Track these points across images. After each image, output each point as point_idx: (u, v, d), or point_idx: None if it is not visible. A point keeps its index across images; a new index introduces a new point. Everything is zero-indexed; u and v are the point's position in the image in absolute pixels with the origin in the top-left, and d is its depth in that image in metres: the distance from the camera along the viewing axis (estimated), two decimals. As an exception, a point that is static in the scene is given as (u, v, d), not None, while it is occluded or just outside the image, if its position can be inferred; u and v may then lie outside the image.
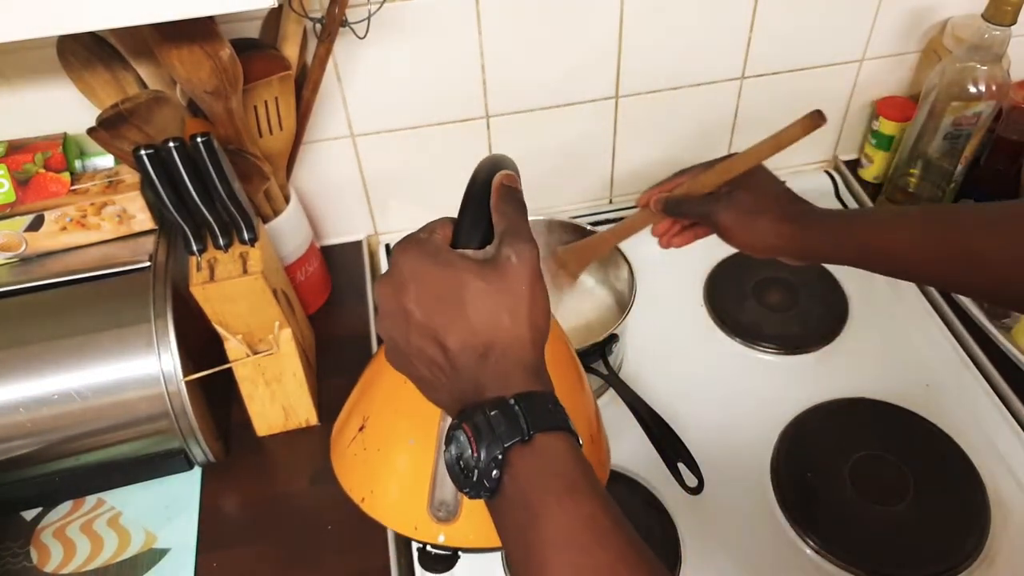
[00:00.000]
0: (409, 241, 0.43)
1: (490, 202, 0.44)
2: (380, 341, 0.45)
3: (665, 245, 0.73)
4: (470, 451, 0.38)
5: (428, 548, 0.48)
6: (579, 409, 0.53)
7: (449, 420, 0.42)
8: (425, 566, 0.50)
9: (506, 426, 0.37)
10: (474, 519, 0.46)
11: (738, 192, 0.66)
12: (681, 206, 0.68)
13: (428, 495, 0.47)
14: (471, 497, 0.39)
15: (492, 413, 0.38)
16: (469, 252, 0.42)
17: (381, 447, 0.49)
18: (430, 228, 0.44)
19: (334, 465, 0.52)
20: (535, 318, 0.41)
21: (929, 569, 0.69)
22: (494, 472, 0.38)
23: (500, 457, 0.37)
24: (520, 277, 0.40)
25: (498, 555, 0.71)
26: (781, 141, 0.62)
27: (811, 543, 0.72)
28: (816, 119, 0.60)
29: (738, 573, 0.71)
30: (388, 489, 0.49)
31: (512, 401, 0.38)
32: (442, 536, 0.47)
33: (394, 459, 0.49)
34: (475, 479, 0.38)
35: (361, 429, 0.50)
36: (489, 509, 0.40)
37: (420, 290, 0.40)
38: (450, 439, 0.40)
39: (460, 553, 0.49)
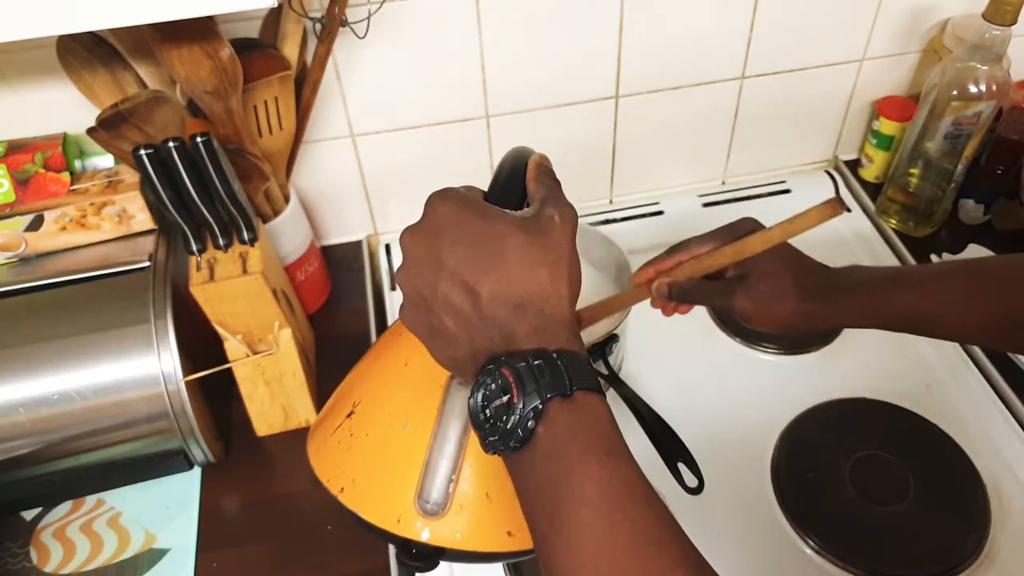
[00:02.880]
0: (446, 191, 0.41)
1: (524, 178, 0.43)
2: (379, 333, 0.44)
3: (669, 314, 0.67)
4: (509, 396, 0.36)
5: (407, 550, 0.45)
6: None
7: (454, 403, 0.40)
8: (403, 565, 0.46)
9: (550, 375, 0.36)
10: (463, 516, 0.45)
11: (752, 278, 0.60)
12: (690, 295, 0.62)
13: (417, 485, 0.44)
14: (492, 447, 0.38)
15: (536, 362, 0.37)
16: (508, 211, 0.41)
17: (370, 432, 0.47)
18: (463, 188, 0.42)
19: (311, 457, 0.49)
20: (572, 279, 0.40)
21: (929, 569, 0.69)
22: (531, 422, 0.36)
23: (540, 407, 0.36)
24: (562, 237, 0.40)
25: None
26: (794, 227, 0.55)
27: (811, 543, 0.72)
28: (834, 207, 0.54)
29: (738, 573, 0.71)
30: (372, 477, 0.46)
31: (554, 354, 0.37)
32: (426, 532, 0.45)
33: (384, 444, 0.46)
34: (507, 426, 0.36)
35: (349, 415, 0.48)
36: (510, 462, 0.38)
37: (456, 237, 0.39)
38: (480, 384, 0.38)
39: (441, 560, 0.46)
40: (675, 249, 0.61)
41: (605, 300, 0.63)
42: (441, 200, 0.40)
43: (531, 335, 0.38)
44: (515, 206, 0.42)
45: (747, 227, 0.58)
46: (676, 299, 0.62)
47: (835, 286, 0.61)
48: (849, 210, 0.56)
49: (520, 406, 0.36)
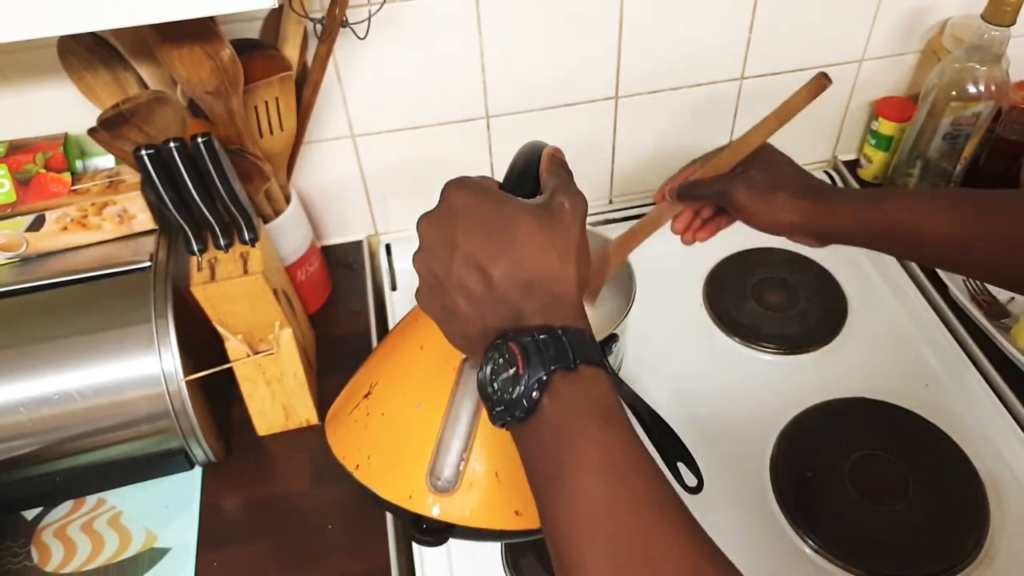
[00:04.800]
0: (462, 179, 0.44)
1: (537, 169, 0.45)
2: (382, 335, 0.45)
3: (689, 241, 0.70)
4: (515, 369, 0.38)
5: (423, 525, 0.47)
6: None
7: (468, 383, 0.42)
8: (414, 539, 0.49)
9: (554, 350, 0.38)
10: (472, 493, 0.46)
11: (752, 170, 0.64)
12: (695, 189, 0.66)
13: (429, 463, 0.46)
14: (499, 418, 0.39)
15: (541, 337, 0.38)
16: (521, 199, 0.43)
17: (386, 411, 0.49)
18: (480, 177, 0.45)
19: (328, 436, 0.51)
20: (581, 264, 0.42)
21: (929, 569, 0.69)
22: (535, 393, 0.38)
23: (544, 379, 0.38)
24: (573, 223, 0.42)
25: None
26: (789, 110, 0.60)
27: (811, 543, 0.72)
28: (822, 81, 0.57)
29: (738, 573, 0.71)
30: (386, 455, 0.48)
31: (559, 331, 0.39)
32: (437, 508, 0.46)
33: (398, 423, 0.48)
34: (513, 396, 0.38)
35: (367, 396, 0.50)
36: (516, 432, 0.40)
37: (471, 222, 0.41)
38: (488, 359, 0.40)
39: (450, 537, 0.48)
40: (691, 163, 0.67)
41: (630, 230, 0.68)
42: (457, 187, 0.43)
43: (539, 313, 0.40)
44: (528, 196, 0.44)
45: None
46: (684, 197, 0.67)
47: (831, 189, 0.65)
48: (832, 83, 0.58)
49: (525, 377, 0.38)
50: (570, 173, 0.45)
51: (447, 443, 0.46)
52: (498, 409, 0.39)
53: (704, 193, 0.66)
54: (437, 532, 0.47)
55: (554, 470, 0.37)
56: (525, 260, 0.40)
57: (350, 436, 0.50)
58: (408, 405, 0.48)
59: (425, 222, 0.43)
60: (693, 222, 0.70)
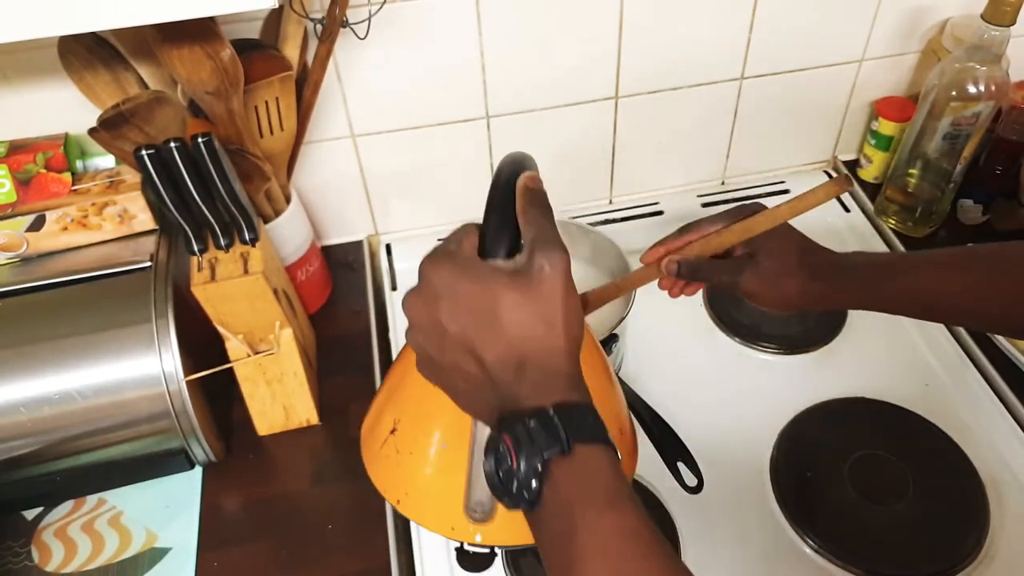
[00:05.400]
0: (438, 254, 0.42)
1: (515, 207, 0.43)
2: (404, 331, 0.45)
3: (675, 296, 0.67)
4: (510, 461, 0.38)
5: (466, 547, 0.49)
6: (608, 400, 0.53)
7: (481, 426, 0.42)
8: (463, 565, 0.51)
9: (545, 437, 0.37)
10: (510, 517, 0.46)
11: (759, 257, 0.61)
12: (698, 272, 0.63)
13: (464, 497, 0.47)
14: (510, 508, 0.39)
15: (531, 424, 0.38)
16: (500, 263, 0.42)
17: (413, 450, 0.49)
18: (456, 238, 0.44)
19: (367, 465, 0.52)
20: (570, 328, 0.41)
21: (929, 568, 0.69)
22: (533, 483, 0.37)
23: (540, 468, 0.37)
24: (554, 287, 0.40)
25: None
26: (802, 205, 0.57)
27: (811, 543, 0.72)
28: (843, 184, 0.56)
29: (737, 573, 0.71)
30: (423, 491, 0.49)
31: (551, 412, 0.38)
32: (479, 536, 0.47)
33: (427, 463, 0.49)
34: (515, 489, 0.38)
35: (392, 432, 0.50)
36: (528, 520, 0.40)
37: (453, 305, 0.40)
38: (489, 449, 0.39)
39: (497, 551, 0.49)
40: (685, 229, 0.62)
41: (615, 282, 0.65)
42: (433, 267, 0.42)
43: (531, 393, 0.39)
44: (512, 240, 0.43)
45: (755, 208, 0.60)
46: (685, 277, 0.63)
47: (840, 266, 0.62)
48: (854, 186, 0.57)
49: (521, 470, 0.38)
50: (547, 210, 0.43)
51: (476, 479, 0.46)
52: (505, 500, 0.39)
53: (710, 279, 0.64)
54: (484, 557, 0.49)
55: (563, 560, 0.37)
56: (513, 339, 0.39)
57: (386, 472, 0.51)
58: (433, 445, 0.49)
59: (410, 302, 0.42)
60: (680, 281, 0.67)
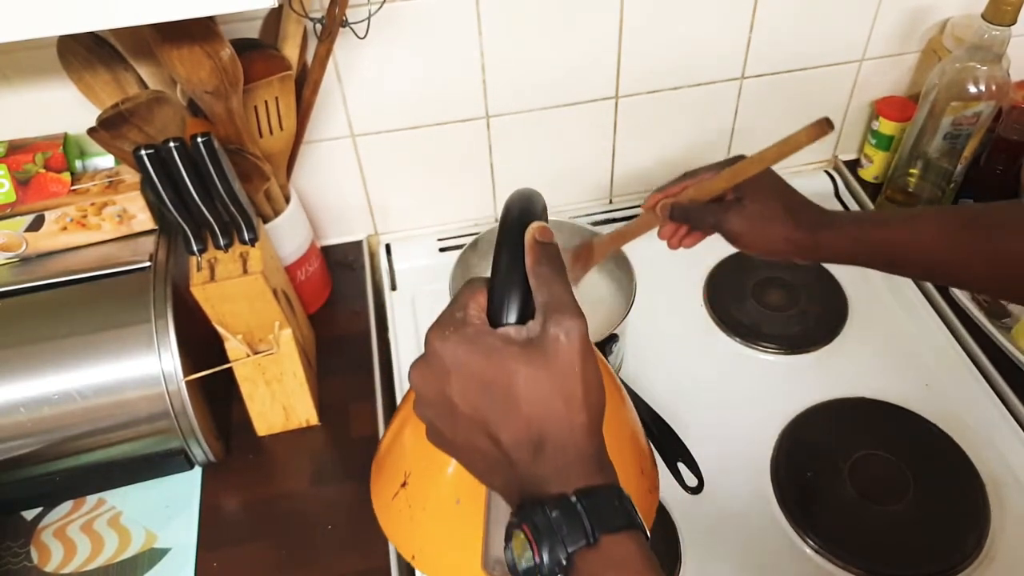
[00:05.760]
0: (445, 325, 0.39)
1: (524, 259, 0.40)
2: (412, 405, 0.42)
3: (674, 246, 0.70)
4: (531, 555, 0.35)
5: None
6: (627, 441, 0.51)
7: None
8: None
9: (568, 528, 0.35)
10: None
11: (746, 200, 0.64)
12: (689, 214, 0.66)
13: (482, 553, 0.44)
14: None
15: (553, 514, 0.35)
16: (512, 331, 0.39)
17: (427, 506, 0.47)
18: (463, 303, 0.40)
19: (379, 518, 0.50)
20: (591, 401, 0.38)
21: (929, 569, 0.69)
22: None
23: (564, 562, 0.35)
24: (571, 358, 0.37)
25: None
26: (787, 147, 0.61)
27: (811, 543, 0.72)
28: (823, 126, 0.59)
29: (738, 573, 0.71)
30: (439, 548, 0.47)
31: (574, 499, 0.36)
32: None
33: (441, 519, 0.47)
34: None
35: (404, 485, 0.48)
36: None
37: (464, 381, 0.38)
38: (509, 536, 0.37)
39: None
40: (684, 176, 0.67)
41: (618, 230, 0.67)
42: (440, 341, 0.38)
43: (552, 477, 0.37)
44: (523, 302, 0.40)
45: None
46: (678, 219, 0.67)
47: (824, 217, 0.65)
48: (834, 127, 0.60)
49: (544, 564, 0.35)
50: (559, 267, 0.40)
51: (493, 535, 0.44)
52: None
53: (697, 220, 0.67)
54: None
55: None
56: (530, 418, 0.37)
57: (400, 526, 0.49)
58: (446, 501, 0.46)
59: (417, 375, 0.40)
60: (679, 230, 0.71)
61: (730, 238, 0.66)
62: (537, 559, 0.35)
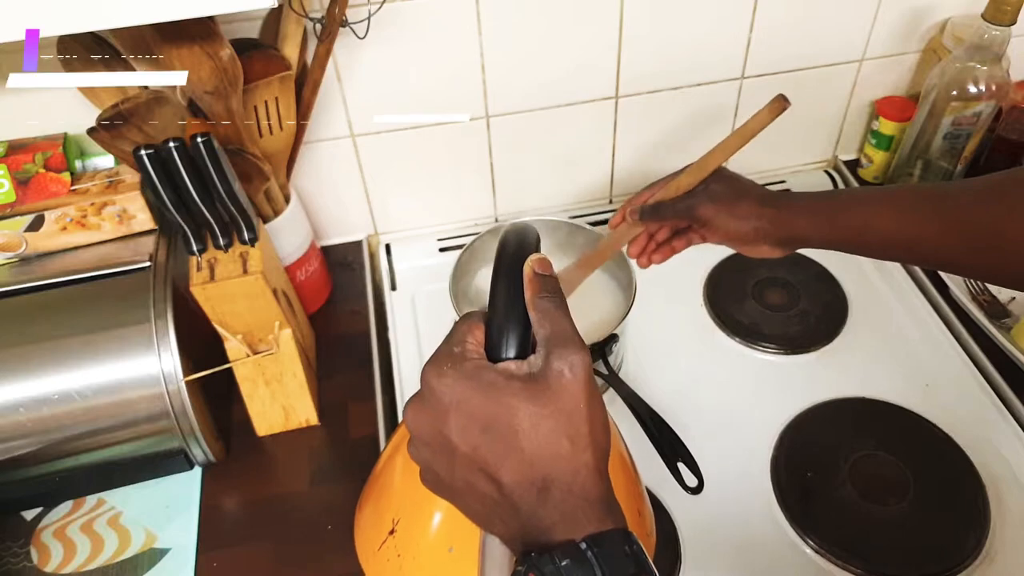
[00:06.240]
0: (441, 361, 0.37)
1: (523, 296, 0.39)
2: (407, 445, 0.40)
3: (644, 264, 0.69)
4: None
5: None
6: (623, 481, 0.48)
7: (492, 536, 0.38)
8: None
9: None
10: None
11: (712, 185, 0.65)
12: (658, 211, 0.66)
13: None
14: None
15: (563, 563, 0.33)
16: (512, 366, 0.37)
17: (417, 555, 0.45)
18: (460, 338, 0.39)
19: (363, 565, 0.47)
20: (597, 439, 0.36)
21: (929, 569, 0.69)
22: None
23: None
24: (576, 395, 0.36)
25: None
26: (748, 131, 0.60)
27: (811, 543, 0.72)
28: (781, 103, 0.58)
29: (738, 573, 0.71)
30: None
31: (584, 546, 0.34)
32: None
33: (433, 570, 0.44)
34: None
35: (392, 533, 0.46)
36: None
37: (463, 420, 0.36)
38: None
39: None
40: (647, 188, 0.67)
41: (584, 257, 0.67)
42: (437, 377, 0.37)
43: (560, 522, 0.35)
44: (522, 335, 0.38)
45: None
46: (647, 218, 0.66)
47: (791, 195, 0.65)
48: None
49: None
50: (562, 299, 0.39)
51: None
52: None
53: (667, 213, 0.66)
54: None
55: None
56: (534, 458, 0.35)
57: (388, 575, 0.46)
58: (438, 549, 0.44)
59: (412, 413, 0.38)
60: (648, 245, 0.71)
61: (701, 223, 0.66)
62: None
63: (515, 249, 0.41)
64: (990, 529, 0.71)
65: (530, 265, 0.40)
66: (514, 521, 0.36)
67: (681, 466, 0.71)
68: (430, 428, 0.37)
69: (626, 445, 0.53)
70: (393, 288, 0.99)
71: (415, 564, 0.44)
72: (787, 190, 0.66)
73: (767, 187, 0.67)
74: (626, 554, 0.34)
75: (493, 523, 0.37)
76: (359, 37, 0.78)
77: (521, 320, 0.38)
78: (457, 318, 0.46)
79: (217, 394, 0.80)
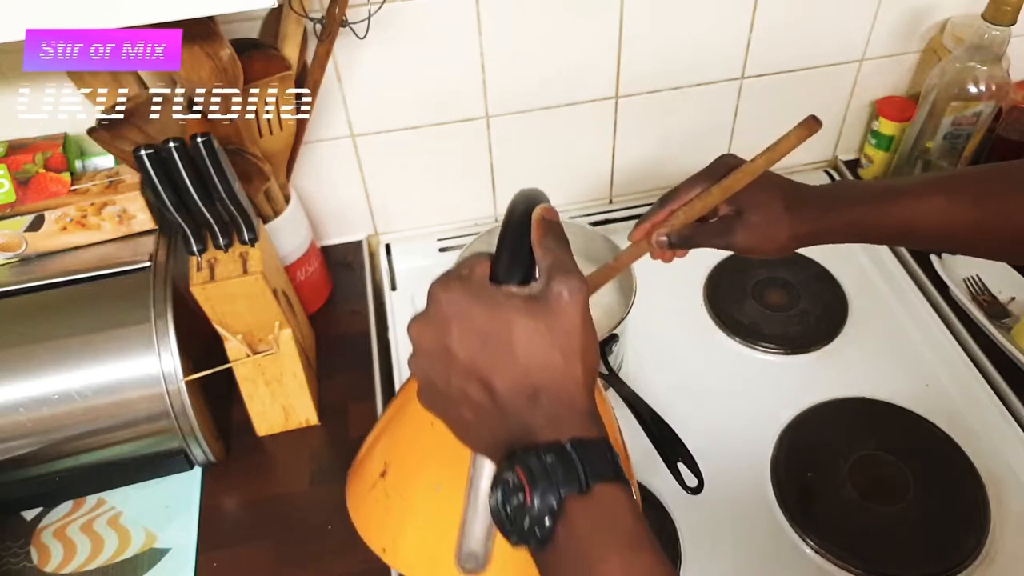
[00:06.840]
0: (448, 278, 0.40)
1: (530, 237, 0.42)
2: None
3: (669, 260, 0.69)
4: (522, 496, 0.36)
5: None
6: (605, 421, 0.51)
7: (483, 462, 0.40)
8: None
9: (563, 473, 0.35)
10: (504, 569, 0.44)
11: (747, 213, 0.61)
12: (691, 241, 0.63)
13: (456, 545, 0.44)
14: (515, 544, 0.37)
15: (548, 458, 0.36)
16: (514, 288, 0.40)
17: (405, 494, 0.47)
18: (468, 265, 0.41)
19: (351, 512, 0.49)
20: (587, 358, 0.39)
21: (929, 569, 0.69)
22: (547, 521, 0.35)
23: (555, 506, 0.35)
24: (572, 314, 0.38)
25: None
26: (777, 152, 0.57)
27: (811, 543, 0.72)
28: (811, 125, 0.56)
29: (738, 573, 0.71)
30: (412, 539, 0.47)
31: (568, 447, 0.36)
32: None
33: (419, 507, 0.46)
34: (526, 527, 0.36)
35: (383, 475, 0.48)
36: (536, 560, 0.37)
37: (464, 329, 0.38)
38: (498, 481, 0.37)
39: None
40: (665, 200, 0.62)
41: (607, 264, 0.64)
42: (444, 290, 0.40)
43: (546, 426, 0.37)
44: (525, 271, 0.41)
45: (729, 163, 0.58)
46: (677, 247, 0.62)
47: (822, 202, 0.61)
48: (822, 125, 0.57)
49: (535, 506, 0.35)
50: (564, 241, 0.42)
51: (470, 525, 0.44)
52: (512, 537, 0.37)
53: (704, 243, 0.64)
54: None
55: None
56: (527, 367, 0.38)
57: (373, 518, 0.48)
58: (426, 488, 0.46)
59: (416, 327, 0.40)
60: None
61: (740, 252, 0.63)
62: (528, 501, 0.35)
63: (525, 202, 0.43)
64: (990, 529, 0.71)
65: (539, 210, 0.43)
66: (502, 429, 0.38)
67: (681, 466, 0.71)
68: (433, 338, 0.39)
69: (623, 442, 0.53)
70: (393, 288, 0.99)
71: (402, 502, 0.46)
72: (819, 196, 0.63)
73: (793, 183, 0.63)
74: (607, 459, 0.37)
75: (481, 433, 0.40)
76: (359, 37, 0.78)
77: (524, 257, 0.41)
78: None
79: (217, 394, 0.80)
